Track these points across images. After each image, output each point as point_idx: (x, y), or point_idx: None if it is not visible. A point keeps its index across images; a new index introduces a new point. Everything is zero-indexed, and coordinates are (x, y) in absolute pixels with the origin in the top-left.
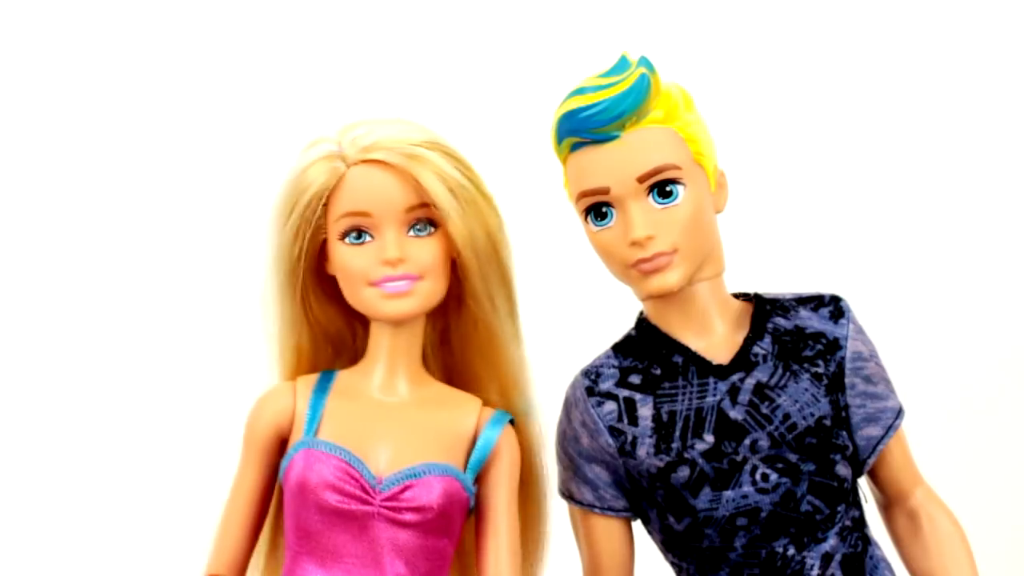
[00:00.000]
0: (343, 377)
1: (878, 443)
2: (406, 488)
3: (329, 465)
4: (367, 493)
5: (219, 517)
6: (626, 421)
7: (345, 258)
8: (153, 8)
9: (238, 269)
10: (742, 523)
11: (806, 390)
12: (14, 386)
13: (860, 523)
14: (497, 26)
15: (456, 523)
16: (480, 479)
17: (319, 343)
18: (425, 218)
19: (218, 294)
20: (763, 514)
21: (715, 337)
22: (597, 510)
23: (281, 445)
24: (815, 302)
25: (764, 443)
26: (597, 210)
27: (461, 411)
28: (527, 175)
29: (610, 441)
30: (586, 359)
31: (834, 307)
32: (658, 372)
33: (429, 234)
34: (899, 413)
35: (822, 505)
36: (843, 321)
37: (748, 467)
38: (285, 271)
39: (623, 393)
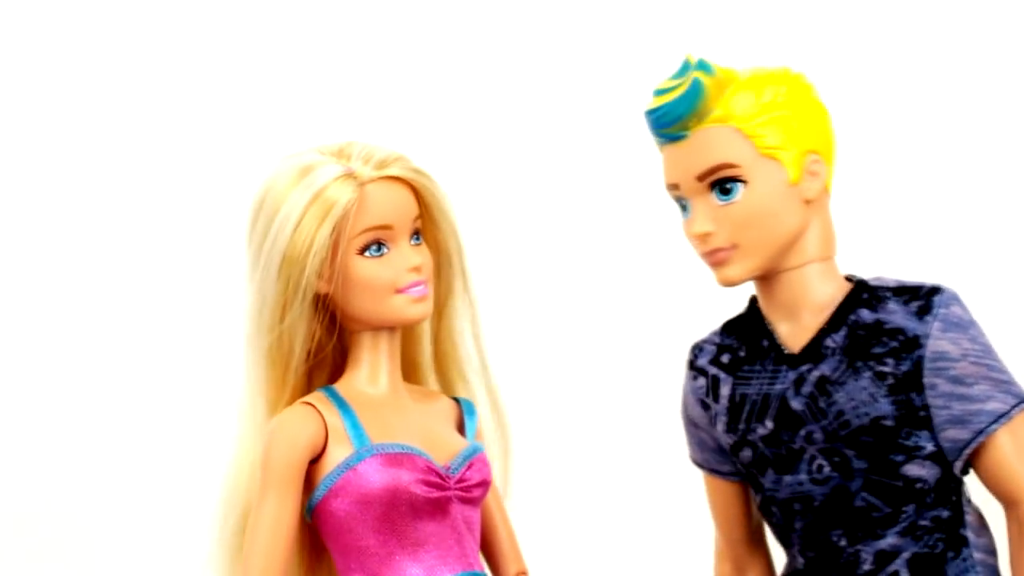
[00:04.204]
0: (344, 390)
1: (965, 447)
2: (470, 467)
3: (409, 461)
4: (443, 479)
5: (253, 558)
6: (711, 397)
7: (370, 271)
8: (145, 11)
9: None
10: (797, 508)
11: (864, 388)
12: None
13: (948, 524)
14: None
15: None
16: None
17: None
18: (419, 228)
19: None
20: (816, 503)
21: (800, 325)
22: (705, 470)
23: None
24: (910, 294)
25: (819, 435)
26: (679, 202)
27: (445, 402)
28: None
29: (702, 412)
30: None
31: (924, 301)
32: (743, 354)
33: (421, 243)
34: (999, 417)
35: (880, 504)
36: (928, 318)
37: (807, 456)
38: (304, 299)
39: (712, 371)
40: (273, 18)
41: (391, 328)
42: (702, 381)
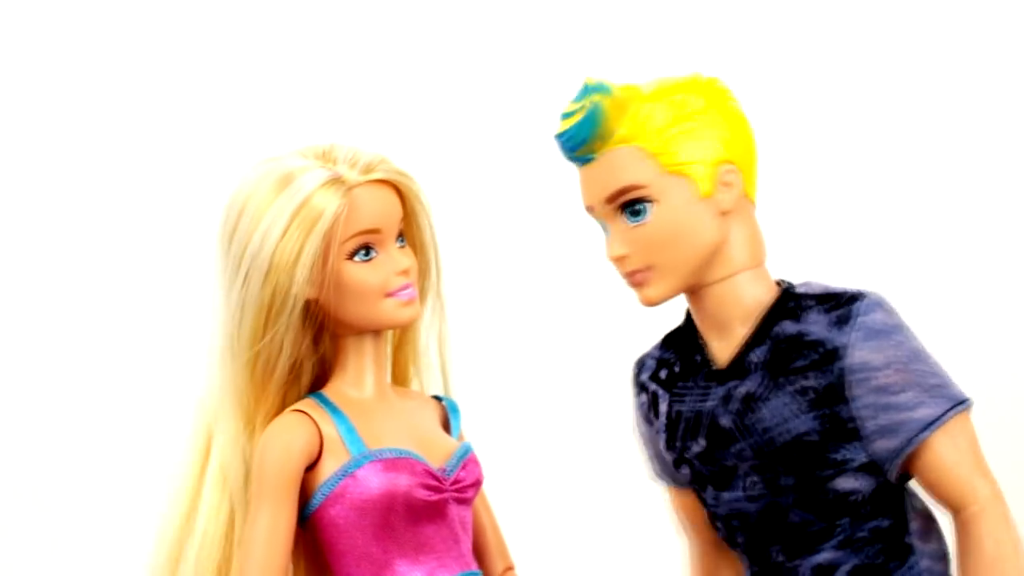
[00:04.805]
0: (333, 395)
1: (895, 456)
2: (464, 467)
3: (406, 465)
4: (440, 482)
5: (248, 571)
6: (652, 413)
7: (360, 275)
8: (129, 12)
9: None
10: (736, 524)
11: (786, 405)
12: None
13: (889, 533)
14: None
15: None
16: None
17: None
18: (402, 231)
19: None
20: (752, 519)
21: (731, 339)
22: (663, 482)
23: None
24: (832, 302)
25: (748, 453)
26: (600, 224)
27: (431, 403)
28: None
29: (648, 428)
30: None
31: (844, 310)
32: (678, 370)
33: (405, 244)
34: (930, 424)
35: (813, 518)
36: (847, 328)
37: (740, 472)
38: (295, 307)
39: (652, 387)
40: (247, 23)
41: (375, 332)
42: (644, 397)
